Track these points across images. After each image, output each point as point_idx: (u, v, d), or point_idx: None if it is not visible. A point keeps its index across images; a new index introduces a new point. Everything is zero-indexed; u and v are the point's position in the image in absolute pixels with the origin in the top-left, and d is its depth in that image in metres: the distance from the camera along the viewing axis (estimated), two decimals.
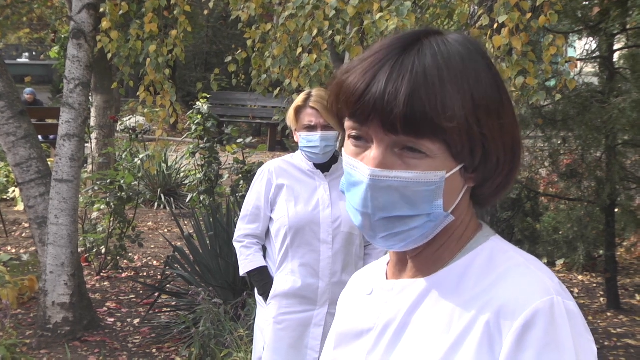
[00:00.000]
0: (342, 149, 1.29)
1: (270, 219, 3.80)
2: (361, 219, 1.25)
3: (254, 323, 4.39)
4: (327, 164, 3.77)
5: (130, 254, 8.56)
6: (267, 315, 3.77)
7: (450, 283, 1.25)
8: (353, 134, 1.24)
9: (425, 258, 1.29)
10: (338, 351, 1.37)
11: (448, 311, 1.23)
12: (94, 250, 8.18)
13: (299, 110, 3.70)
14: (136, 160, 10.35)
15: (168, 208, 11.31)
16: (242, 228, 3.85)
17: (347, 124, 1.25)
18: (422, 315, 1.25)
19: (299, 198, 3.72)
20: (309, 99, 3.68)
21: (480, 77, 1.22)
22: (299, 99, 3.73)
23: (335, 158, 3.78)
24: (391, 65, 1.20)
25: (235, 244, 3.89)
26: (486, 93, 1.21)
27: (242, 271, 3.86)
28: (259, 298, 3.86)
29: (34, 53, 23.65)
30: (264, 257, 3.86)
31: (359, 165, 1.23)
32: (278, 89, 6.48)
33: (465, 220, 1.29)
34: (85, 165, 11.51)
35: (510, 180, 1.29)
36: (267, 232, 3.85)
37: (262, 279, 3.80)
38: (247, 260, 3.82)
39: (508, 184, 1.29)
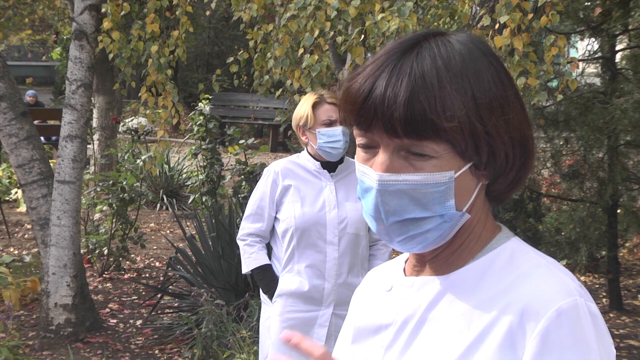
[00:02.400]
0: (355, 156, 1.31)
1: (277, 219, 3.80)
2: (376, 224, 1.26)
3: (256, 324, 4.40)
4: (333, 165, 3.76)
5: (132, 255, 8.57)
6: (272, 312, 3.77)
7: (470, 281, 1.26)
8: (361, 141, 1.26)
9: (445, 258, 1.29)
10: (356, 346, 1.37)
11: (467, 309, 1.23)
12: (97, 252, 8.18)
13: (316, 106, 3.67)
14: (138, 161, 10.35)
15: (170, 209, 11.32)
16: (246, 227, 3.85)
17: (355, 131, 1.27)
18: (440, 313, 1.26)
19: (305, 199, 3.72)
20: (324, 96, 3.68)
21: (481, 75, 1.22)
22: (312, 97, 3.71)
23: (341, 159, 3.78)
24: (390, 69, 1.21)
25: (238, 242, 3.89)
26: (488, 90, 1.21)
27: (245, 269, 3.85)
28: (263, 296, 3.86)
29: (23, 53, 23.71)
30: (269, 256, 3.86)
31: (368, 171, 1.24)
32: (280, 89, 6.49)
33: (482, 218, 1.29)
34: (87, 166, 11.53)
35: (523, 174, 1.29)
36: (273, 231, 3.84)
37: (265, 277, 3.79)
38: (251, 259, 3.82)
39: (521, 179, 1.29)
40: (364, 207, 1.27)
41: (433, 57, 1.21)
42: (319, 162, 3.75)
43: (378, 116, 1.20)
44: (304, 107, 3.71)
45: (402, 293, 1.32)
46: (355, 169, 1.29)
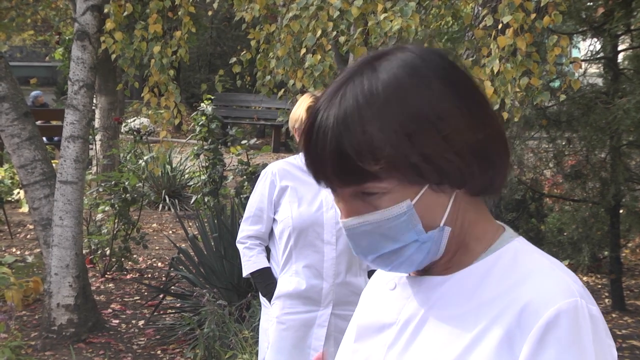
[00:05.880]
0: None
1: (274, 220, 3.79)
2: (363, 259, 1.29)
3: (258, 324, 4.39)
4: None
5: (134, 256, 8.57)
6: (270, 315, 3.77)
7: (472, 281, 1.25)
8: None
9: (445, 261, 1.29)
10: (359, 344, 1.37)
11: (469, 309, 1.23)
12: (99, 252, 8.18)
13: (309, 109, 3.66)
14: (140, 161, 10.35)
15: (172, 209, 11.32)
16: (245, 229, 3.84)
17: None
18: (442, 313, 1.25)
19: (303, 199, 3.72)
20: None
21: (406, 101, 1.19)
22: (307, 99, 3.69)
23: None
24: (320, 119, 1.21)
25: (238, 245, 3.88)
26: (417, 114, 1.18)
27: (245, 272, 3.85)
28: (263, 299, 3.86)
29: (25, 53, 23.73)
30: (268, 258, 3.86)
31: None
32: (282, 90, 6.48)
33: (473, 219, 1.28)
34: (89, 166, 11.52)
35: (497, 174, 1.26)
36: (271, 233, 3.84)
37: (264, 280, 3.79)
38: (250, 262, 3.81)
39: (496, 177, 1.26)
40: None
41: (355, 97, 1.19)
42: None
43: (319, 174, 1.22)
44: (299, 110, 3.70)
45: (405, 292, 1.32)
46: None
